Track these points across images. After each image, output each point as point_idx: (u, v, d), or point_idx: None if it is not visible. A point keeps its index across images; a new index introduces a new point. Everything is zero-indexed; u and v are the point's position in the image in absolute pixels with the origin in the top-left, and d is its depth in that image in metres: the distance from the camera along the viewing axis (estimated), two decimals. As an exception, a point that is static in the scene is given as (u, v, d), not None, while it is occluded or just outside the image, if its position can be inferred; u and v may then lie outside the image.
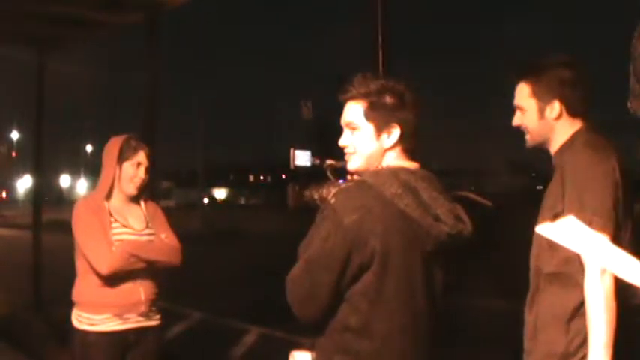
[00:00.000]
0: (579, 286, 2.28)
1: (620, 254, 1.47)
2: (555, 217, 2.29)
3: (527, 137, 2.63)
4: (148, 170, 3.49)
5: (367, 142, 2.22)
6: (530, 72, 2.59)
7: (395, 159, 2.19)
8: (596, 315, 2.20)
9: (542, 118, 2.55)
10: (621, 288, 2.19)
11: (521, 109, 2.61)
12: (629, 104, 1.46)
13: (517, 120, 2.64)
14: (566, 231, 1.45)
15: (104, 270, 3.24)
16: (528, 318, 2.55)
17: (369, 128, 2.20)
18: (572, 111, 2.53)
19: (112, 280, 3.29)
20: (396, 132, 2.17)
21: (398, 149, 2.19)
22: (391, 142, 2.18)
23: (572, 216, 1.50)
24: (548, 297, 2.46)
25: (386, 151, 2.20)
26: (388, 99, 2.17)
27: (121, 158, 3.42)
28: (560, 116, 2.53)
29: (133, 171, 3.43)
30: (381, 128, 2.19)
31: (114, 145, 3.45)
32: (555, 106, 2.53)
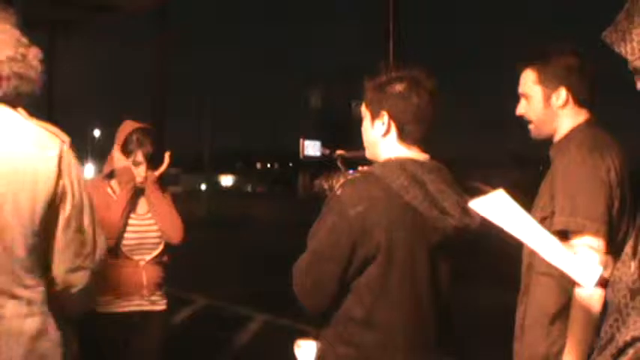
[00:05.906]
0: (564, 288, 2.22)
1: (547, 236, 1.46)
2: (543, 219, 2.23)
3: (532, 127, 2.52)
4: (148, 167, 3.44)
5: (367, 131, 2.22)
6: (537, 59, 2.48)
7: (398, 149, 2.14)
8: (577, 317, 2.14)
9: (547, 106, 2.44)
10: None
11: (526, 97, 2.50)
12: (604, 33, 1.34)
13: (521, 109, 2.53)
14: (494, 206, 1.44)
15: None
16: (517, 317, 2.49)
17: (367, 116, 2.21)
18: (579, 100, 2.42)
19: (115, 259, 3.29)
20: (385, 119, 2.14)
21: (394, 138, 2.15)
22: (383, 130, 2.15)
23: (503, 191, 1.47)
24: (535, 297, 2.39)
25: (382, 139, 2.16)
26: (381, 86, 2.15)
27: (124, 150, 3.42)
28: (566, 104, 2.42)
29: (133, 169, 3.43)
30: (374, 116, 2.18)
31: (122, 132, 3.45)
32: (562, 94, 2.41)
